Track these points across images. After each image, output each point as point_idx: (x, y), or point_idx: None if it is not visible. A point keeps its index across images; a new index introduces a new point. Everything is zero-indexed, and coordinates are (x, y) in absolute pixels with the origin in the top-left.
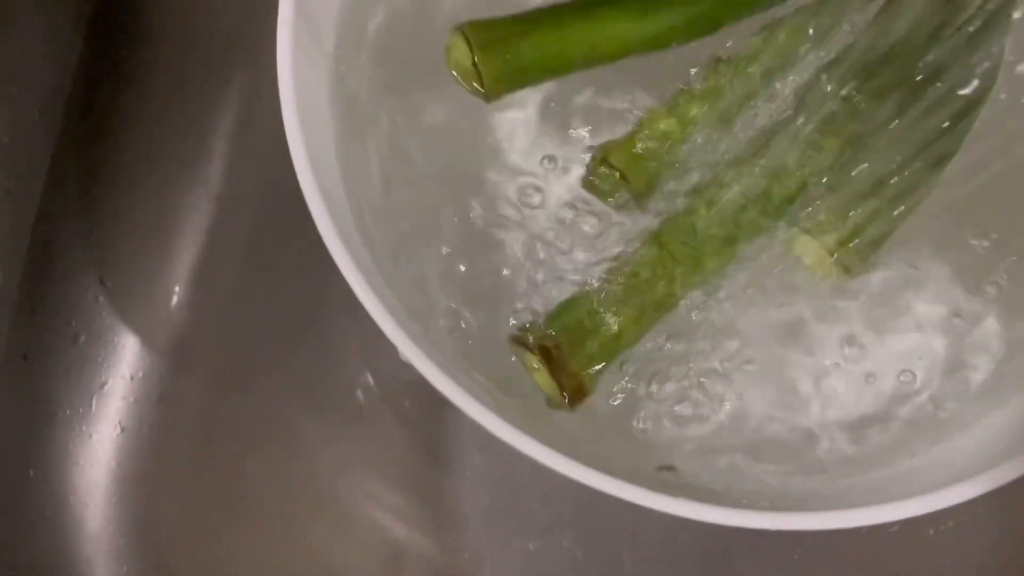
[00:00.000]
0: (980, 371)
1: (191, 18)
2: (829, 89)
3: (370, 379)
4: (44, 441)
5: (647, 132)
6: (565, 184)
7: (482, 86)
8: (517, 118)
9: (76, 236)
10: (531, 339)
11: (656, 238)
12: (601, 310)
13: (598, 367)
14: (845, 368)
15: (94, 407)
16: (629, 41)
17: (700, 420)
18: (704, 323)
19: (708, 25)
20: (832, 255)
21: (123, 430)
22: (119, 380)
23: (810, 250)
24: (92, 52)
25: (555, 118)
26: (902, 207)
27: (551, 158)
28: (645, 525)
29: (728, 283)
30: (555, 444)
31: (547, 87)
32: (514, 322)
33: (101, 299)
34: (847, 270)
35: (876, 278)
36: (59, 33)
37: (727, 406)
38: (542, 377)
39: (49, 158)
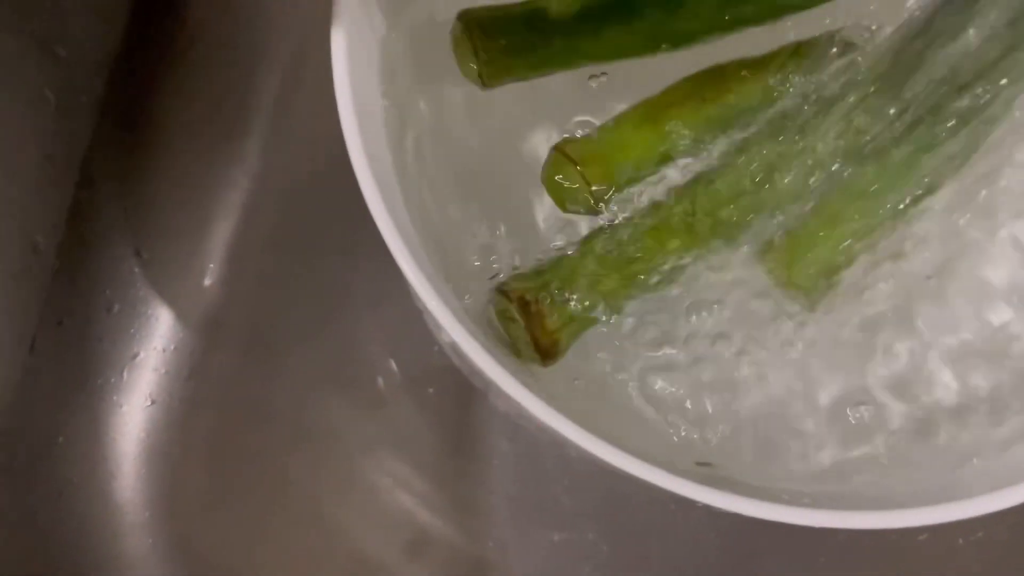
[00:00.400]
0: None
1: None
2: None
3: (393, 365)
4: (74, 409)
5: (615, 136)
6: None
7: (481, 74)
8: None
9: (114, 206)
10: (514, 289)
11: (655, 210)
12: (589, 274)
13: (575, 329)
14: (888, 369)
15: (125, 378)
16: (638, 45)
17: (728, 413)
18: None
19: (723, 29)
20: (787, 273)
21: (153, 402)
22: (151, 352)
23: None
24: (137, 22)
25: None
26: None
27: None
28: (672, 522)
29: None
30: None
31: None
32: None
33: (137, 270)
34: (807, 293)
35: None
36: (107, 2)
37: (755, 397)
38: (517, 329)
39: (91, 127)
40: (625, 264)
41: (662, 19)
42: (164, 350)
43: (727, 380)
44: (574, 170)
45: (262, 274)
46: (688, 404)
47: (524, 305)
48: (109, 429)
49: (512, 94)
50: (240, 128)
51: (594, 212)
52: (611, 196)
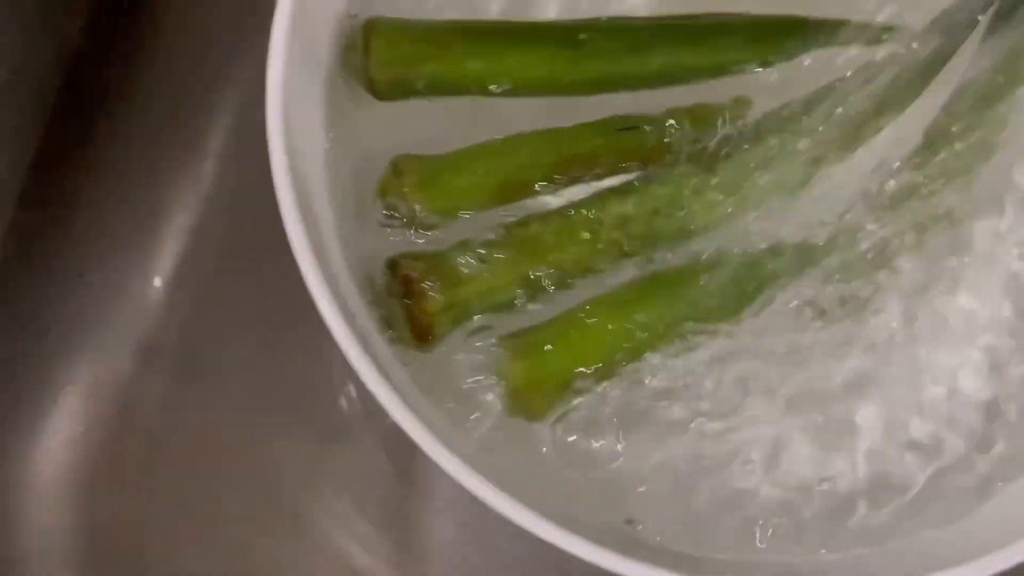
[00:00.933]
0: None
1: (194, 11)
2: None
3: (352, 391)
4: (4, 434)
5: (450, 166)
6: None
7: (372, 87)
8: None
9: (58, 227)
10: (402, 265)
11: (563, 211)
12: (485, 263)
13: (454, 317)
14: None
15: (59, 403)
16: (534, 83)
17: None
18: None
19: (619, 86)
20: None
21: (86, 428)
22: (87, 378)
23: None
24: (87, 43)
25: None
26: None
27: None
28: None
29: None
30: (515, 486)
31: None
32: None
33: (78, 293)
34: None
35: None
36: (57, 19)
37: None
38: (398, 307)
39: (35, 147)
40: (518, 264)
41: (560, 57)
42: (100, 377)
43: (662, 431)
44: (400, 185)
45: (211, 299)
46: (620, 455)
47: (408, 283)
48: (39, 456)
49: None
50: (195, 148)
51: (412, 228)
52: (431, 219)
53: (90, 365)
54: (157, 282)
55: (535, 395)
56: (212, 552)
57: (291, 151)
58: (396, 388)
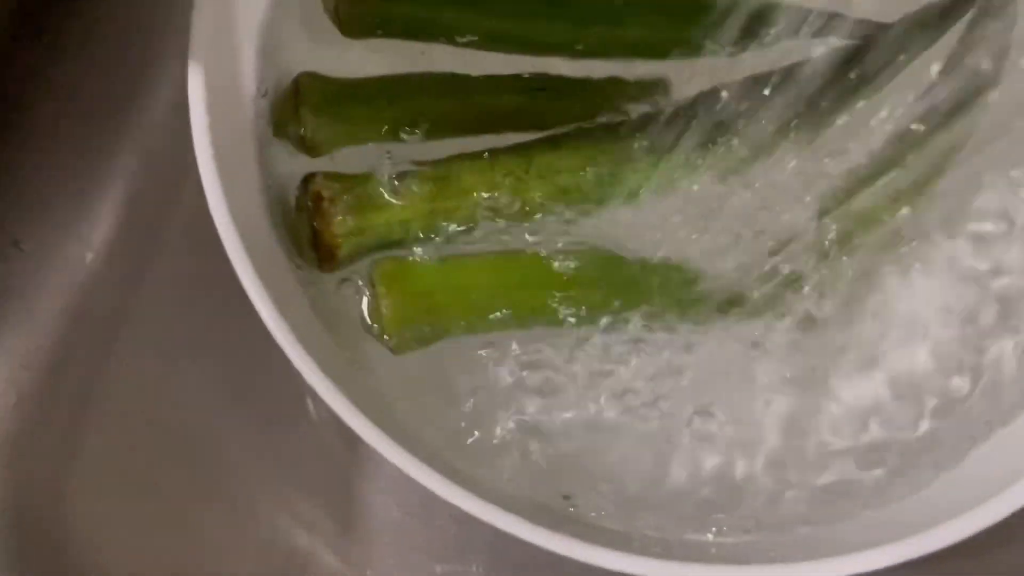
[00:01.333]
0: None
1: None
2: None
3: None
4: None
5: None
6: None
7: (340, 23)
8: None
9: None
10: (315, 182)
11: (491, 153)
12: (400, 194)
13: (361, 243)
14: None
15: None
16: (505, 38)
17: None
18: None
19: (590, 50)
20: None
21: (18, 399)
22: (20, 347)
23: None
24: (21, 20)
25: None
26: None
27: None
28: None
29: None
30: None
31: None
32: None
33: (12, 261)
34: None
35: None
36: None
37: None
38: (304, 225)
39: None
40: (434, 200)
41: (535, 14)
42: (37, 346)
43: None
44: (296, 104)
45: (145, 270)
46: (555, 430)
47: (318, 200)
48: None
49: None
50: (131, 121)
51: (305, 152)
52: (320, 140)
53: (24, 333)
54: (92, 251)
55: (396, 315)
56: (145, 527)
57: (210, 74)
58: (295, 323)
